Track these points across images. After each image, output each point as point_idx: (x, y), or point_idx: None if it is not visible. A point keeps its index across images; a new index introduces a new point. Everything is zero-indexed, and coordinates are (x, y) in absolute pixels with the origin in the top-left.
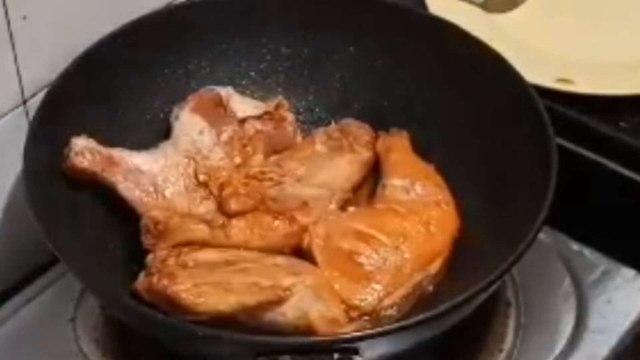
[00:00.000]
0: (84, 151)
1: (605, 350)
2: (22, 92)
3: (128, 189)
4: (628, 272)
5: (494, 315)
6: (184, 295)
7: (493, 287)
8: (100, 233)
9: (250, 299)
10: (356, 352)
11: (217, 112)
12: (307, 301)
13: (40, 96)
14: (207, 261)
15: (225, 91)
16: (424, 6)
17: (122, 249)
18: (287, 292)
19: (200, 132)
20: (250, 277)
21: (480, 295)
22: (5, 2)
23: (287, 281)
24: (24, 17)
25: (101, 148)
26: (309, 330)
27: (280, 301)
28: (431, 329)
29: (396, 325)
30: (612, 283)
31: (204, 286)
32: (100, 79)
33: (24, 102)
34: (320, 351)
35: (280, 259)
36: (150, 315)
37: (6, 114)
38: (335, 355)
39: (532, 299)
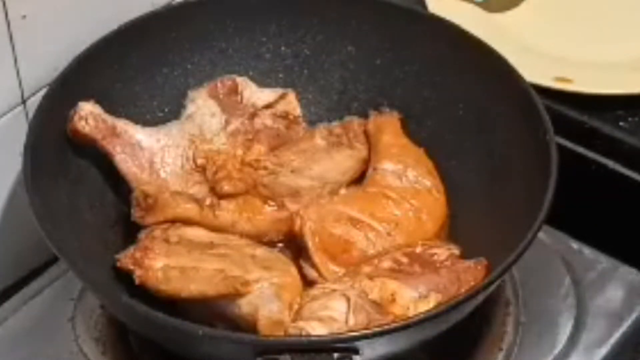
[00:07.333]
0: (88, 116)
1: (604, 349)
2: (22, 91)
3: (124, 162)
4: (628, 271)
5: (493, 314)
6: (150, 273)
7: (493, 287)
8: (101, 233)
9: (211, 290)
10: (356, 351)
11: (232, 100)
12: (263, 299)
13: (40, 96)
14: (191, 239)
15: (242, 79)
16: (424, 6)
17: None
18: (247, 288)
19: (212, 115)
20: (221, 264)
21: (480, 295)
22: (5, 2)
23: (253, 275)
24: (24, 17)
25: (107, 116)
26: (254, 328)
27: (238, 294)
28: (431, 328)
29: (396, 324)
30: (612, 282)
31: (172, 271)
32: (100, 79)
33: (24, 101)
34: (320, 351)
35: (260, 251)
36: (150, 315)
37: (6, 114)
38: (335, 355)
39: (532, 298)
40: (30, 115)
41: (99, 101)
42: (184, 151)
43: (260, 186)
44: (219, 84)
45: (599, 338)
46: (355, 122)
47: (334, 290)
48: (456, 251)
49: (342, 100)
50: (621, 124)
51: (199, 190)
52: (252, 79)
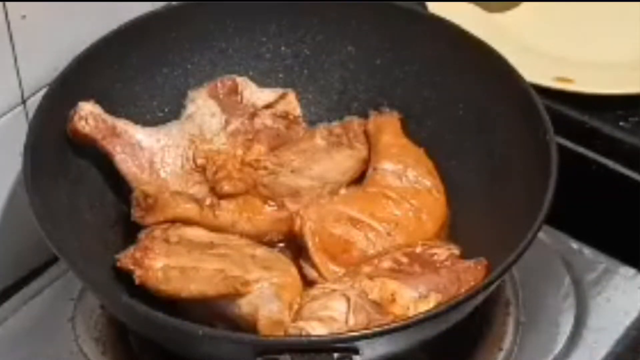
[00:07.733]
0: (88, 116)
1: (604, 349)
2: (22, 91)
3: (124, 162)
4: (627, 271)
5: (493, 314)
6: (150, 273)
7: (493, 287)
8: (101, 233)
9: (211, 290)
10: (356, 351)
11: (232, 100)
12: (263, 299)
13: (40, 96)
14: (191, 239)
15: (242, 79)
16: (423, 6)
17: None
18: (247, 288)
19: (212, 115)
20: (221, 264)
21: (480, 295)
22: (5, 2)
23: (253, 275)
24: (24, 17)
25: (107, 116)
26: (254, 328)
27: (238, 294)
28: (431, 328)
29: (396, 324)
30: (612, 282)
31: (172, 271)
32: (100, 79)
33: (24, 101)
34: (320, 351)
35: (260, 251)
36: (150, 315)
37: (6, 114)
38: (335, 355)
39: (532, 298)
40: (30, 115)
41: (99, 101)
42: (184, 151)
43: (260, 186)
44: (219, 84)
45: (599, 338)
46: (355, 122)
47: (334, 290)
48: (456, 251)
49: (342, 100)
50: (621, 124)
51: (199, 190)
52: (252, 79)
